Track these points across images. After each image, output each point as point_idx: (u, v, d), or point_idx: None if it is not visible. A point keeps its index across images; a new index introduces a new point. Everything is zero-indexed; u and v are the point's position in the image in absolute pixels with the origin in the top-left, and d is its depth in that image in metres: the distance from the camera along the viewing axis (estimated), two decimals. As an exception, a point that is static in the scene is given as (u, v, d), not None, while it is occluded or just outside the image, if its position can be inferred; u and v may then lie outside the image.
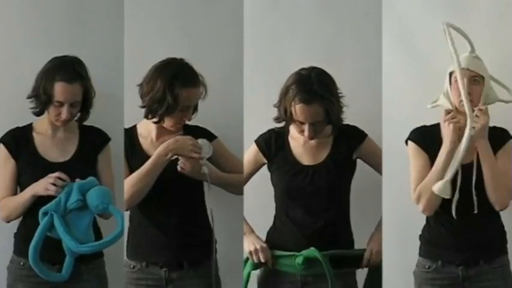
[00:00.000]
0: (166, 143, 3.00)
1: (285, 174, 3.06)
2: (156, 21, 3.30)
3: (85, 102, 3.07)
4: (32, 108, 3.05)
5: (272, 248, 3.06)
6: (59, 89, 2.98)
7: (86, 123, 3.14)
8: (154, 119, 3.02)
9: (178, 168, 3.01)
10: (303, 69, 3.01)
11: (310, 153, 3.07)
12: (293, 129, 3.07)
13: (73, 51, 3.08)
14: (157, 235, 3.04)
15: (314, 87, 2.94)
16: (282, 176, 3.07)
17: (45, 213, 2.91)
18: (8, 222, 3.06)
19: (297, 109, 2.94)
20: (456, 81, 2.97)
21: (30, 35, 3.24)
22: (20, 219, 3.06)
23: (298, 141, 3.09)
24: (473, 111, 2.92)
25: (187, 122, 3.10)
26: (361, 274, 3.13)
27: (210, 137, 3.11)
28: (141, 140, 3.10)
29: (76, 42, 3.22)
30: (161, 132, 3.08)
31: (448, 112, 2.98)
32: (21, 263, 3.02)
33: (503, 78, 3.09)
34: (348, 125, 3.08)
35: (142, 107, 3.02)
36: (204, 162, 3.02)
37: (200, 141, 3.04)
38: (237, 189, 3.15)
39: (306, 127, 2.97)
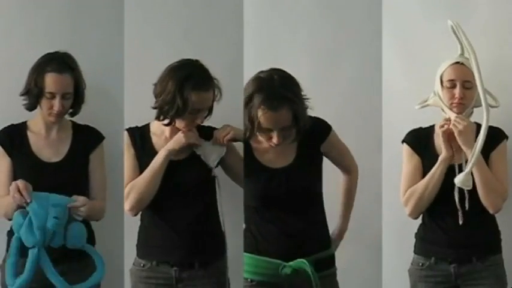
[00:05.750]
0: (166, 146, 2.98)
1: (257, 180, 2.99)
2: (156, 21, 3.29)
3: (77, 96, 3.07)
4: (24, 104, 3.05)
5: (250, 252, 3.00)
6: (50, 80, 2.99)
7: (84, 122, 3.14)
8: (165, 121, 2.98)
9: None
10: (261, 72, 2.91)
11: (279, 156, 2.99)
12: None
13: (73, 51, 3.07)
14: (169, 234, 3.00)
15: (279, 92, 2.83)
16: (254, 182, 3.00)
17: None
18: None
19: (265, 117, 2.84)
20: (449, 86, 3.01)
21: (29, 34, 3.23)
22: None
23: (263, 145, 2.99)
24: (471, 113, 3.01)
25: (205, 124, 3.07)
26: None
27: None
28: (154, 138, 3.06)
29: (76, 43, 3.21)
30: (174, 132, 3.03)
31: (441, 126, 3.02)
32: (14, 261, 3.02)
33: (500, 79, 3.11)
34: (311, 116, 2.95)
35: (155, 108, 2.98)
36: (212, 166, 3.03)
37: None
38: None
39: (274, 134, 2.88)
